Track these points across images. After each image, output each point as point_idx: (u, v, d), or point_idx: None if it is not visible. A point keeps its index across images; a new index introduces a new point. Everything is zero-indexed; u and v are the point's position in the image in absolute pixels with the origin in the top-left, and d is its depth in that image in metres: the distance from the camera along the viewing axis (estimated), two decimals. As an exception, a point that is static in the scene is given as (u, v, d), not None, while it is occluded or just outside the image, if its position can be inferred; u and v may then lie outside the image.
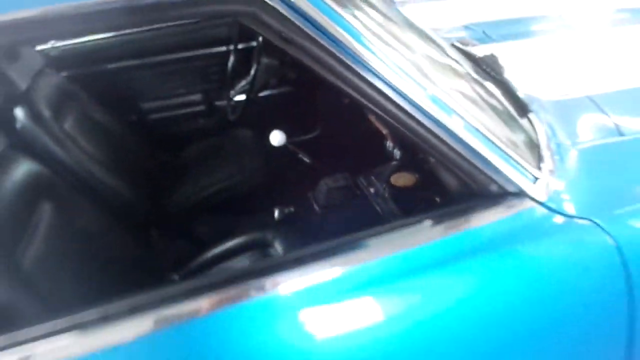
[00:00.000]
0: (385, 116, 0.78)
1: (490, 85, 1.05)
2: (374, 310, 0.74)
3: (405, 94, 0.75)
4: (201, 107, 2.08)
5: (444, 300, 0.75)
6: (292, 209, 1.49)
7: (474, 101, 0.89)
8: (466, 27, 1.65)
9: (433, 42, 1.12)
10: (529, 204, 0.81)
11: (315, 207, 1.48)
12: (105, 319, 0.69)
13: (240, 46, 1.87)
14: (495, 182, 0.80)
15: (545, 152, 0.91)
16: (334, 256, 0.75)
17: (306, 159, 1.67)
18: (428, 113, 0.76)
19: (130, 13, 0.63)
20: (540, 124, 0.99)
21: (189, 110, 2.08)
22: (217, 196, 1.76)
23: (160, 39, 1.99)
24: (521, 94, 1.03)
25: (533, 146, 0.91)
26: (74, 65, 1.90)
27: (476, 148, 0.78)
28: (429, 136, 0.78)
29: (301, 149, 1.77)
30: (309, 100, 2.01)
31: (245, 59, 1.88)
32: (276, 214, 1.48)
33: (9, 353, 0.67)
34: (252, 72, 1.69)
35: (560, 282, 0.80)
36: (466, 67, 1.10)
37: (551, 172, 0.87)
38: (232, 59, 1.85)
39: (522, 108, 0.98)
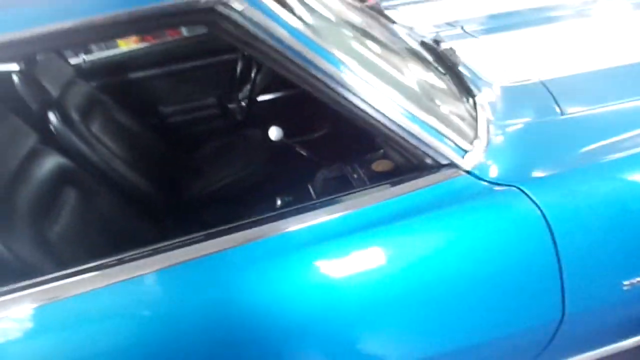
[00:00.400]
0: (332, 104, 0.93)
1: (443, 75, 1.18)
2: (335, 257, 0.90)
3: (347, 85, 0.90)
4: (215, 110, 2.29)
5: (369, 258, 0.90)
6: (291, 198, 1.66)
7: (416, 89, 1.03)
8: (448, 24, 1.77)
9: (391, 37, 1.27)
10: (458, 173, 0.94)
11: (314, 195, 1.65)
12: (129, 259, 0.87)
13: (246, 53, 2.05)
14: (429, 156, 0.94)
15: (481, 130, 1.03)
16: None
17: (303, 152, 1.83)
18: (366, 100, 0.91)
19: (113, 26, 0.81)
20: (483, 106, 1.11)
21: (204, 113, 2.30)
22: (227, 188, 1.96)
23: (177, 49, 2.22)
24: (471, 80, 1.16)
25: (471, 125, 1.04)
26: (102, 76, 2.15)
27: (409, 129, 0.92)
28: (371, 120, 0.92)
29: (304, 144, 1.94)
30: (315, 101, 2.17)
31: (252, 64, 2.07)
32: (278, 202, 1.65)
33: (41, 288, 0.86)
34: (253, 75, 1.87)
35: (485, 239, 0.92)
36: (424, 59, 1.23)
37: (485, 147, 1.00)
38: (239, 64, 2.04)
39: (468, 92, 1.10)
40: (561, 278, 0.97)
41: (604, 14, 1.72)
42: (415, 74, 1.12)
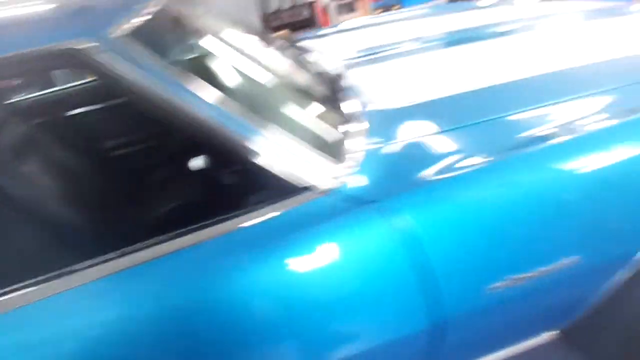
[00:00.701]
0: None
1: (323, 102, 1.25)
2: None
3: (203, 119, 0.97)
4: (156, 142, 2.36)
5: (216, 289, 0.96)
6: None
7: (279, 117, 1.10)
8: (364, 50, 1.85)
9: (278, 68, 1.34)
10: (316, 195, 1.00)
11: None
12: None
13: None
14: (288, 181, 1.00)
15: (350, 152, 1.10)
16: None
17: (228, 181, 1.90)
18: (224, 133, 0.97)
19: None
20: (357, 130, 1.18)
21: (145, 145, 2.36)
22: (167, 216, 2.01)
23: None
24: (355, 105, 1.24)
25: (339, 148, 1.11)
26: (40, 114, 2.21)
27: (265, 155, 0.99)
28: (236, 153, 0.99)
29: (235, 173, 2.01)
30: None
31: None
32: None
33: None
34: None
35: (346, 257, 0.98)
36: (305, 87, 1.31)
37: (351, 168, 1.06)
38: None
39: (344, 117, 1.18)
40: (433, 288, 1.03)
41: (509, 36, 1.83)
42: (286, 103, 1.20)
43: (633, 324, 1.26)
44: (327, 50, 1.89)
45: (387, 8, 5.51)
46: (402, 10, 4.49)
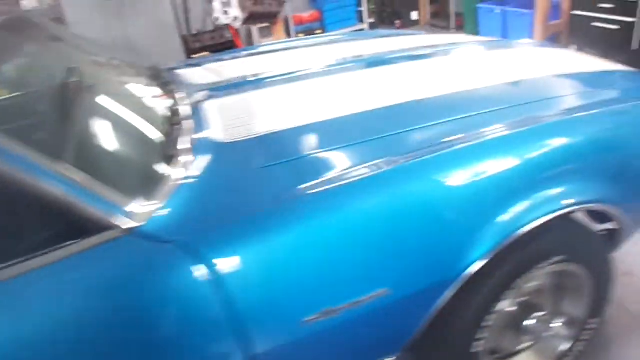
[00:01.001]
0: None
1: (156, 136, 1.25)
2: None
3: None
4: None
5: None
6: None
7: (91, 154, 1.09)
8: (243, 77, 1.87)
9: (114, 100, 1.33)
10: (116, 234, 0.98)
11: None
12: None
13: None
14: (89, 219, 0.96)
15: (163, 189, 1.09)
16: None
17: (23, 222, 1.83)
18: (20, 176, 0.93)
19: None
20: (181, 165, 1.18)
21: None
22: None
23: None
24: (184, 139, 1.24)
25: (154, 184, 1.10)
26: None
27: (64, 195, 0.95)
28: (30, 193, 0.95)
29: None
30: None
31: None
32: None
33: None
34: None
35: (147, 299, 0.96)
36: (136, 118, 1.30)
37: (160, 205, 1.05)
38: None
39: (172, 152, 1.18)
40: (242, 324, 1.03)
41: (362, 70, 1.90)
42: (106, 137, 1.18)
43: (460, 338, 1.32)
44: (200, 77, 1.89)
45: (309, 32, 5.63)
46: (317, 35, 4.62)
